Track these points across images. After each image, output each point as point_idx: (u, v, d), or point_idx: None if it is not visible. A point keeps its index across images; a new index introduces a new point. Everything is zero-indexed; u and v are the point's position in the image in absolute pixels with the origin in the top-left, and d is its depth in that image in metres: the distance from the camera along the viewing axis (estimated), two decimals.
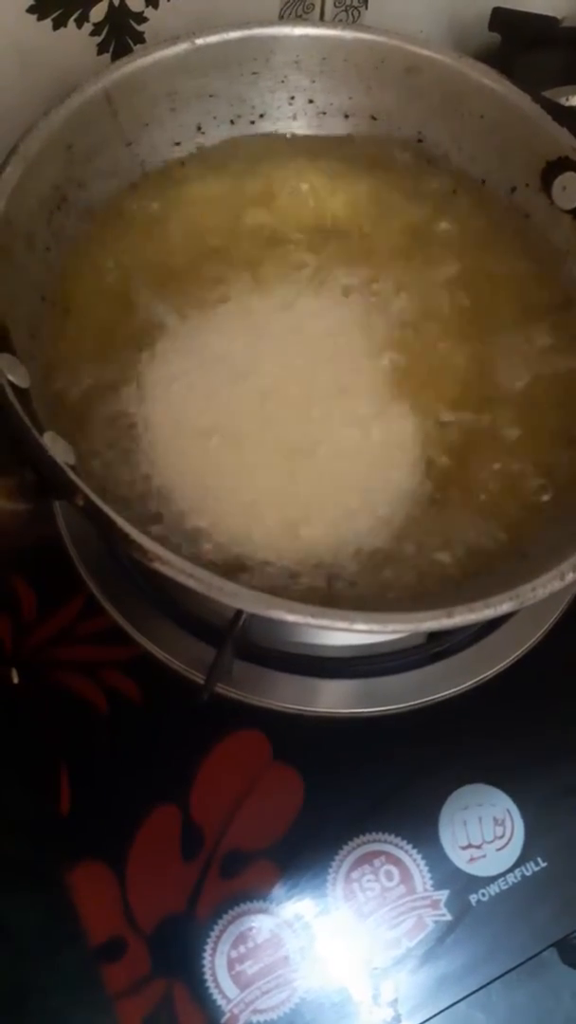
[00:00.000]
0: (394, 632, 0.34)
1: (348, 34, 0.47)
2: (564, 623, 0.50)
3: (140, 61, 0.44)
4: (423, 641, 0.49)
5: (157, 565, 0.32)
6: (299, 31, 0.46)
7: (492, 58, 0.63)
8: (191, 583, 0.32)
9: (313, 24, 0.47)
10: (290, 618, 0.32)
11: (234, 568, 0.38)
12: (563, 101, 0.67)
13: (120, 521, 0.33)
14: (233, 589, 0.33)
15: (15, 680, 0.47)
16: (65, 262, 0.44)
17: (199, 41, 0.45)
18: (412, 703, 0.47)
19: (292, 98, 0.49)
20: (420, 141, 0.50)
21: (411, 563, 0.39)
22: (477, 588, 0.38)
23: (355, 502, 0.41)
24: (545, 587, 0.35)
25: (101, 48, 0.54)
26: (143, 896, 0.44)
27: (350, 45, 0.48)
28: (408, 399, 0.43)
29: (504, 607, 0.34)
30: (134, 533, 0.33)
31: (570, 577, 0.35)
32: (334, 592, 0.38)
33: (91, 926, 0.43)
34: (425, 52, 0.48)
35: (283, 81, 0.48)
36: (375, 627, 0.33)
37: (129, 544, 0.33)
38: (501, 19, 0.67)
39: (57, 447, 0.35)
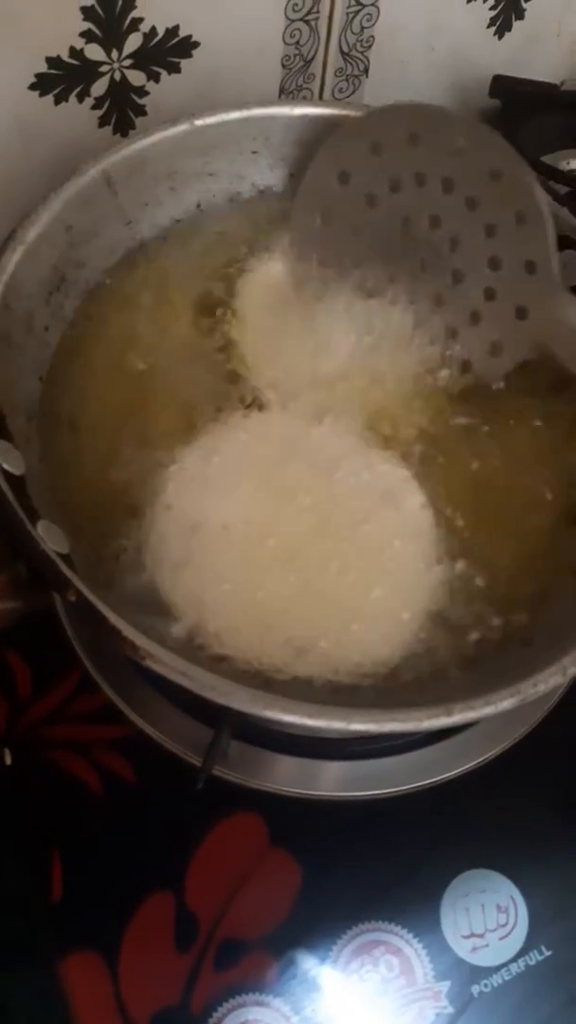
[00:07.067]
0: (392, 731, 0.33)
1: (350, 113, 0.47)
2: (567, 701, 0.49)
3: (139, 142, 0.45)
4: None
5: (149, 663, 0.32)
6: (298, 111, 0.47)
7: (493, 124, 0.63)
8: (184, 681, 0.32)
9: (312, 103, 0.47)
10: (287, 718, 0.32)
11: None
12: (563, 165, 0.67)
13: (112, 616, 0.32)
14: (227, 688, 0.32)
15: (7, 761, 0.46)
16: (63, 340, 0.43)
17: (198, 122, 0.46)
18: (413, 785, 0.46)
19: (291, 175, 0.49)
20: None
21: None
22: (477, 678, 0.37)
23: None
24: (547, 682, 0.34)
25: (103, 121, 0.54)
26: (136, 988, 0.42)
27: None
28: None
29: (505, 704, 0.33)
30: (127, 630, 0.32)
31: (572, 671, 0.34)
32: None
33: (83, 1018, 0.42)
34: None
35: (283, 158, 0.48)
36: (372, 727, 0.32)
37: (121, 641, 0.32)
38: (502, 86, 0.67)
39: (51, 536, 0.35)
